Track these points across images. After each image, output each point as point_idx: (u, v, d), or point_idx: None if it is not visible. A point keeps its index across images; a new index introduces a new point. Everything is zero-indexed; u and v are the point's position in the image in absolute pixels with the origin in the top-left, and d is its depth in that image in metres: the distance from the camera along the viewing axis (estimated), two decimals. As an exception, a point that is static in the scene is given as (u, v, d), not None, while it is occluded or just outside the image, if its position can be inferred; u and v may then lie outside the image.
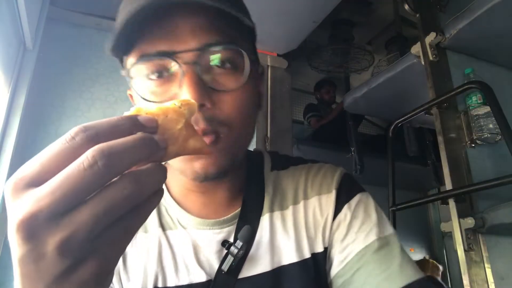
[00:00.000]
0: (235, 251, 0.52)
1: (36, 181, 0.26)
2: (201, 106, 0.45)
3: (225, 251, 0.55)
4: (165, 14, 0.46)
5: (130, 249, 0.58)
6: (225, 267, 0.53)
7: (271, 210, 0.60)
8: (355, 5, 2.93)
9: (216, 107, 0.47)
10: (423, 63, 1.57)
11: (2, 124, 1.12)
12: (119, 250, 0.29)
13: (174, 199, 0.61)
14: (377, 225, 0.57)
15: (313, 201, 0.60)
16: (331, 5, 1.44)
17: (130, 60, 0.50)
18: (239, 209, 0.59)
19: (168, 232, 0.59)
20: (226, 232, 0.58)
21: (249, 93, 0.51)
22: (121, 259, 0.57)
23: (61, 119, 1.31)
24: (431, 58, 1.52)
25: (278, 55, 1.74)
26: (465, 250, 1.22)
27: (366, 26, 3.19)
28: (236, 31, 0.49)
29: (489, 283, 1.20)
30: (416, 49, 1.61)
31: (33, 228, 0.25)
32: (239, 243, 0.53)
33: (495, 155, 1.44)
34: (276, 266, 0.56)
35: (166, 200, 0.61)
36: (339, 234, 0.58)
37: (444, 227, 1.33)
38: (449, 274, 2.45)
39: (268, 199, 0.61)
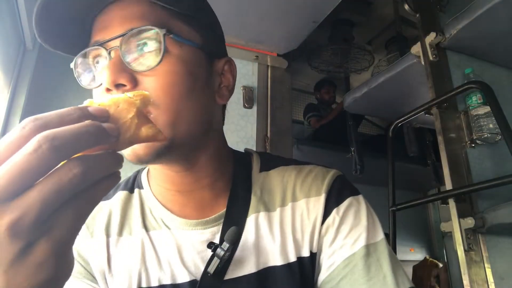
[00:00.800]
0: (221, 253, 0.51)
1: None
2: (119, 85, 0.47)
3: (210, 252, 0.54)
4: (104, 12, 0.51)
5: (114, 251, 0.58)
6: (211, 269, 0.52)
7: (257, 211, 0.59)
8: (355, 5, 2.94)
9: (140, 88, 0.48)
10: (423, 63, 1.57)
11: (2, 124, 1.12)
12: (72, 231, 0.29)
13: (158, 200, 0.61)
14: (366, 231, 0.56)
15: (301, 204, 0.59)
16: (331, 5, 1.44)
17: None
18: (224, 209, 0.59)
19: (152, 232, 0.59)
20: (210, 232, 0.57)
21: (179, 75, 0.50)
22: (106, 261, 0.57)
23: (61, 119, 1.31)
24: (431, 58, 1.52)
25: (278, 55, 1.74)
26: (465, 250, 1.22)
27: (366, 26, 3.19)
28: (168, 17, 0.51)
29: (489, 283, 1.20)
30: (416, 49, 1.61)
31: None
32: (225, 245, 0.52)
33: (495, 155, 1.44)
34: (261, 267, 0.56)
35: (150, 201, 0.61)
36: (327, 239, 0.57)
37: (444, 227, 1.33)
38: (449, 274, 2.46)
39: (255, 200, 0.60)
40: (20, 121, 1.14)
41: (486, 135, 1.36)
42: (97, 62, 0.52)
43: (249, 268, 0.55)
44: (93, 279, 0.58)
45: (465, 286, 1.20)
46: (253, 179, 0.62)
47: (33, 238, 0.27)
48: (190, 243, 0.57)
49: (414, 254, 3.74)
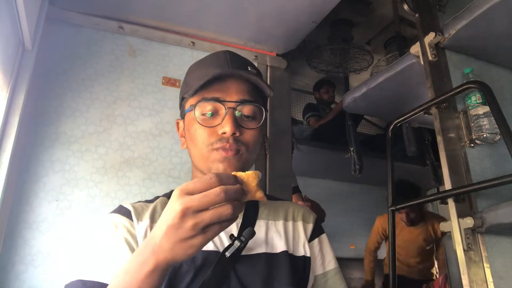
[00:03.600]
0: (238, 244, 0.71)
1: (190, 193, 0.54)
2: (234, 134, 0.78)
3: (232, 231, 0.81)
4: (222, 79, 0.81)
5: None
6: (228, 253, 0.72)
7: (266, 219, 0.88)
8: (355, 5, 2.94)
9: (241, 136, 0.81)
10: (422, 63, 1.57)
11: (1, 124, 1.11)
12: (214, 236, 0.55)
13: None
14: (334, 258, 0.92)
15: (300, 224, 0.91)
16: (330, 5, 1.44)
17: (193, 100, 0.83)
18: (242, 212, 0.86)
19: None
20: (234, 224, 0.83)
21: (260, 133, 0.85)
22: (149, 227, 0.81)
23: (60, 119, 1.31)
24: (430, 58, 1.52)
25: (277, 55, 1.74)
26: (464, 250, 1.22)
27: (365, 26, 3.19)
28: (259, 96, 0.86)
29: (488, 283, 1.20)
30: (415, 49, 1.61)
31: (185, 213, 0.53)
32: (243, 238, 0.71)
33: (494, 155, 1.44)
34: (269, 251, 0.82)
35: None
36: (315, 253, 0.89)
37: (443, 227, 1.33)
38: (448, 274, 2.46)
39: (261, 213, 0.89)
40: (19, 121, 1.14)
41: (485, 135, 1.37)
42: (211, 110, 0.81)
43: (259, 250, 0.82)
44: None
45: (465, 286, 1.20)
46: (260, 204, 0.92)
47: (198, 233, 0.53)
48: None
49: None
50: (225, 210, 0.53)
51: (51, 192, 1.22)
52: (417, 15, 1.64)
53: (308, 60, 3.23)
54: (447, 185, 1.33)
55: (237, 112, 0.80)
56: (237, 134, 0.79)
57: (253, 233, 0.72)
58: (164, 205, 0.84)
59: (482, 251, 1.24)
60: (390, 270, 1.44)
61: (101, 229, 0.79)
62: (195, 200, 0.52)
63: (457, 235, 1.25)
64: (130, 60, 1.48)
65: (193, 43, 1.56)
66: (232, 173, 0.59)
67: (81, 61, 1.40)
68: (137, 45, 1.51)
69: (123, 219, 0.79)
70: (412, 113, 1.53)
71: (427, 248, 2.85)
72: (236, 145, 0.79)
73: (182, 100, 0.88)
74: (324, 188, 3.70)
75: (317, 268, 0.89)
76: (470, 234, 1.24)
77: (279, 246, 0.83)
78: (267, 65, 1.71)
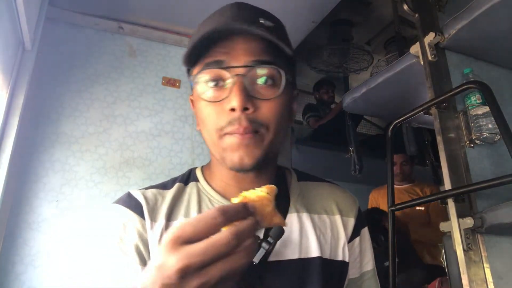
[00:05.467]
0: (267, 247, 0.60)
1: (189, 241, 0.40)
2: (245, 109, 0.59)
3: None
4: (228, 38, 0.62)
5: None
6: (257, 259, 0.60)
7: (299, 211, 0.72)
8: (354, 5, 2.94)
9: (257, 112, 0.61)
10: (422, 63, 1.57)
11: (1, 125, 1.11)
12: None
13: (217, 192, 0.71)
14: (372, 257, 0.78)
15: (338, 219, 0.75)
16: (330, 5, 1.44)
17: (196, 70, 0.65)
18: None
19: None
20: None
21: (283, 105, 0.64)
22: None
23: (60, 119, 1.31)
24: (430, 58, 1.52)
25: (277, 55, 1.74)
26: (464, 250, 1.22)
27: (365, 26, 3.19)
28: (278, 56, 0.64)
29: (488, 283, 1.20)
30: (415, 49, 1.61)
31: (185, 273, 0.39)
32: (270, 240, 0.61)
33: (494, 155, 1.44)
34: (303, 256, 0.67)
35: (209, 192, 0.71)
36: (354, 254, 0.75)
37: (443, 227, 1.33)
38: (448, 274, 2.45)
39: (293, 202, 0.73)
40: (19, 121, 1.14)
41: (485, 135, 1.36)
42: (215, 80, 0.62)
43: (292, 255, 0.67)
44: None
45: (464, 286, 1.20)
46: (291, 186, 0.77)
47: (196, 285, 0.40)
48: None
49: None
50: (239, 260, 0.40)
51: (51, 193, 1.22)
52: (417, 15, 1.64)
53: (308, 60, 3.23)
54: (447, 185, 1.33)
55: (248, 79, 0.60)
56: (250, 110, 0.60)
57: (282, 232, 0.61)
58: (182, 194, 0.71)
59: (482, 251, 1.24)
60: (390, 269, 1.44)
61: (110, 232, 0.66)
62: (198, 255, 0.39)
63: (457, 235, 1.25)
64: (130, 60, 1.48)
65: (193, 43, 1.56)
66: (240, 196, 0.48)
67: (81, 61, 1.40)
68: (137, 45, 1.51)
69: (134, 217, 0.66)
70: (412, 113, 1.52)
71: (417, 209, 2.84)
72: (252, 126, 0.60)
73: (188, 72, 0.71)
74: (324, 188, 3.69)
75: (354, 271, 0.76)
76: (470, 234, 1.24)
77: (314, 249, 0.68)
78: (267, 65, 1.71)
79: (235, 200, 0.47)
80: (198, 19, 0.71)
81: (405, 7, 1.67)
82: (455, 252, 1.25)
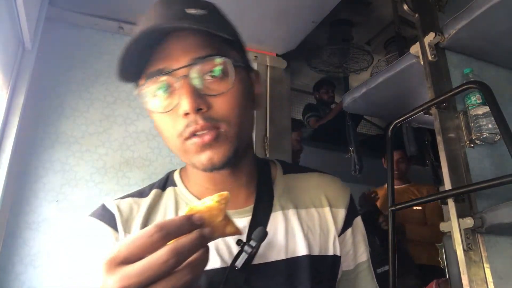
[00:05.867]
0: (249, 250, 0.58)
1: (125, 261, 0.38)
2: (198, 110, 0.56)
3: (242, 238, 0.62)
4: (161, 40, 0.58)
5: None
6: (239, 263, 0.59)
7: (285, 208, 0.69)
8: (354, 5, 2.94)
9: (212, 109, 0.57)
10: (422, 63, 1.57)
11: (1, 125, 1.11)
12: None
13: (195, 196, 0.69)
14: (366, 247, 0.76)
15: (327, 211, 0.71)
16: (330, 5, 1.44)
17: (141, 82, 0.61)
18: (253, 204, 0.68)
19: None
20: (242, 223, 0.65)
21: (239, 94, 0.60)
22: None
23: (60, 119, 1.31)
24: (430, 58, 1.52)
25: (277, 55, 1.74)
26: (464, 250, 1.22)
27: (365, 26, 3.19)
28: (220, 44, 0.59)
29: (488, 283, 1.20)
30: (415, 49, 1.61)
31: None
32: (253, 243, 0.58)
33: (494, 155, 1.44)
34: (290, 256, 0.65)
35: (186, 197, 0.69)
36: (346, 247, 0.73)
37: (443, 227, 1.33)
38: (448, 274, 2.45)
39: (278, 198, 0.70)
40: (19, 121, 1.14)
41: (485, 135, 1.36)
42: (161, 89, 0.58)
43: (278, 255, 0.64)
44: None
45: (464, 286, 1.20)
46: (276, 180, 0.73)
47: None
48: None
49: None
50: (182, 277, 0.39)
51: (51, 193, 1.22)
52: (417, 15, 1.64)
53: (308, 60, 3.23)
54: (447, 185, 1.33)
55: (193, 79, 0.56)
56: (204, 109, 0.56)
57: (265, 234, 0.59)
58: (158, 201, 0.69)
59: (482, 251, 1.24)
60: (390, 271, 1.44)
61: (83, 245, 0.66)
62: (134, 276, 0.37)
63: (457, 235, 1.25)
64: (130, 60, 1.48)
65: (193, 43, 1.56)
66: (188, 209, 0.44)
67: (81, 61, 1.40)
68: (137, 45, 1.51)
69: (106, 231, 0.64)
70: (412, 113, 1.52)
71: (414, 208, 2.81)
72: (210, 123, 0.56)
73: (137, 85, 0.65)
74: (324, 188, 3.69)
75: (347, 263, 0.73)
76: (470, 234, 1.24)
77: (301, 247, 0.66)
78: (267, 65, 1.71)
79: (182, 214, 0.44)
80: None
81: (405, 7, 1.67)
82: (455, 252, 1.25)
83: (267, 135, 1.59)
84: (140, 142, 1.39)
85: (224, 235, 0.45)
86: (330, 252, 0.69)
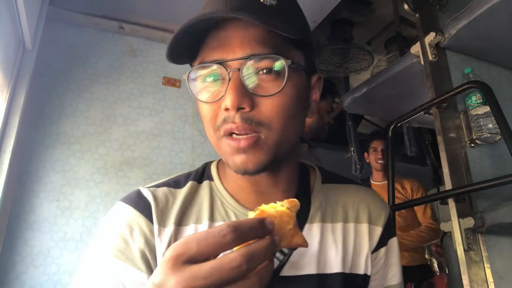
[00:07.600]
0: (281, 257, 0.54)
1: (192, 260, 0.35)
2: (240, 108, 0.52)
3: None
4: (221, 27, 0.54)
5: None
6: None
7: (321, 220, 0.65)
8: (355, 5, 2.93)
9: (256, 110, 0.53)
10: (422, 63, 1.57)
11: (1, 124, 1.11)
12: None
13: (231, 195, 0.65)
14: (399, 271, 0.70)
15: (364, 228, 0.67)
16: (330, 4, 1.44)
17: (194, 65, 0.58)
18: None
19: (218, 224, 0.61)
20: None
21: (290, 99, 0.55)
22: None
23: (61, 119, 1.31)
24: (430, 58, 1.52)
25: (277, 55, 1.74)
26: (464, 250, 1.22)
27: (365, 26, 3.19)
28: (283, 42, 0.54)
29: (489, 283, 1.20)
30: (415, 49, 1.61)
31: None
32: (285, 250, 0.54)
33: (495, 155, 1.44)
34: (321, 272, 0.61)
35: (222, 194, 0.65)
36: (377, 267, 0.68)
37: (443, 227, 1.33)
38: (448, 274, 2.46)
39: (314, 210, 0.66)
40: (20, 121, 1.14)
41: (485, 135, 1.36)
42: (211, 77, 0.55)
43: (309, 269, 0.60)
44: (146, 268, 0.57)
45: (465, 286, 1.20)
46: (314, 190, 0.69)
47: None
48: None
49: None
50: (249, 286, 0.36)
51: (51, 192, 1.22)
52: (417, 15, 1.64)
53: (308, 60, 3.22)
54: (448, 185, 1.33)
55: (245, 74, 0.53)
56: (247, 109, 0.52)
57: None
58: (194, 195, 0.65)
59: (482, 251, 1.24)
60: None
61: (111, 231, 0.59)
62: (201, 278, 0.34)
63: (457, 235, 1.25)
64: (130, 60, 1.48)
65: (194, 43, 1.56)
66: (257, 210, 0.41)
67: (81, 61, 1.40)
68: (137, 45, 1.51)
69: (141, 220, 0.59)
70: (412, 113, 1.52)
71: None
72: (249, 126, 0.52)
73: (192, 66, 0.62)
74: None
75: (376, 283, 0.68)
76: (471, 234, 1.24)
77: (334, 264, 0.62)
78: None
79: (252, 215, 0.40)
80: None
81: (406, 7, 1.67)
82: (456, 252, 1.25)
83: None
84: (141, 142, 1.39)
85: (290, 244, 0.41)
86: (361, 271, 0.65)
